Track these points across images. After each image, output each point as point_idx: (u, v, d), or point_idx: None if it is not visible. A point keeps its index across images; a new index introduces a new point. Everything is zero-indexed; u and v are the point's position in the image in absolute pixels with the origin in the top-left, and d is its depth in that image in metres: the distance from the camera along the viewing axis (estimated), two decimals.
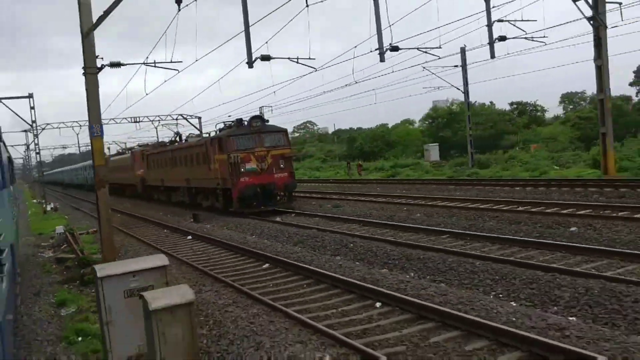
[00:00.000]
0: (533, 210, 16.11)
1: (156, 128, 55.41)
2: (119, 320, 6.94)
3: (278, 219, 20.35)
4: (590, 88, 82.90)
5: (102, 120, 13.69)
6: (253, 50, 18.25)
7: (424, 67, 33.83)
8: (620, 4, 26.43)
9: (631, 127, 55.98)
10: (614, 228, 12.43)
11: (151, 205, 33.55)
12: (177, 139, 34.30)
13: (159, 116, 52.61)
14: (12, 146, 54.71)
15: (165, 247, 16.75)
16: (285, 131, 24.24)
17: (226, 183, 22.93)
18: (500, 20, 21.02)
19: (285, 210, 22.36)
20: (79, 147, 76.76)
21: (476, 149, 48.19)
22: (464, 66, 36.25)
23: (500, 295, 8.83)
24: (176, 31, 20.09)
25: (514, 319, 7.36)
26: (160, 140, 47.61)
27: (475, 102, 75.98)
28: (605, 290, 8.04)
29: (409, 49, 20.92)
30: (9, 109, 35.43)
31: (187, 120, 52.02)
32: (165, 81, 25.88)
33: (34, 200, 52.18)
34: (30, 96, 36.34)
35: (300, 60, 19.16)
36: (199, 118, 52.52)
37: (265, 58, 17.79)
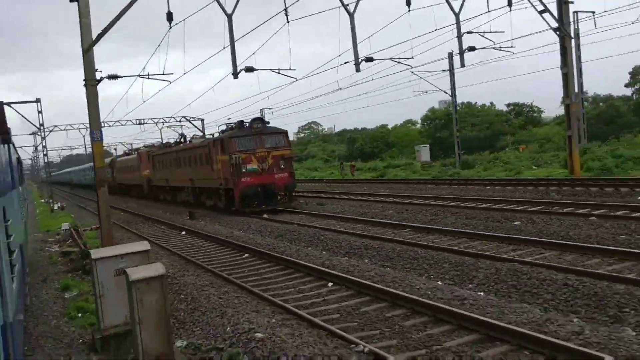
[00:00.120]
0: (485, 206, 17.83)
1: (160, 130, 57.30)
2: (109, 295, 8.60)
3: (265, 215, 22.03)
4: (592, 88, 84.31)
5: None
6: (247, 57, 19.80)
7: (412, 72, 35.51)
8: (593, 12, 28.09)
9: (628, 127, 57.08)
10: (549, 222, 14.09)
11: (156, 205, 34.61)
12: (182, 140, 35.23)
13: (162, 118, 54.45)
14: (20, 147, 56.68)
15: (160, 241, 18.47)
16: (285, 133, 25.04)
17: (228, 183, 23.76)
18: (469, 32, 22.67)
19: (274, 208, 23.83)
20: (85, 148, 78.68)
21: (472, 150, 49.67)
22: (451, 70, 37.85)
23: (431, 277, 10.49)
24: (167, 44, 21.74)
25: (429, 293, 9.03)
26: (164, 141, 49.18)
27: (476, 103, 77.64)
28: (510, 270, 9.71)
29: (384, 59, 22.61)
30: (18, 113, 37.32)
31: (191, 122, 53.78)
32: (159, 90, 27.81)
33: (42, 200, 54.11)
34: (37, 100, 38.17)
35: (281, 71, 20.83)
36: (202, 120, 54.36)
37: (249, 69, 19.37)
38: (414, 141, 73.15)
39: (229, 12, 18.18)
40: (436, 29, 32.84)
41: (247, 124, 24.42)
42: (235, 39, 17.90)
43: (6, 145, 7.44)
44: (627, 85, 76.51)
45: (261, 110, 56.41)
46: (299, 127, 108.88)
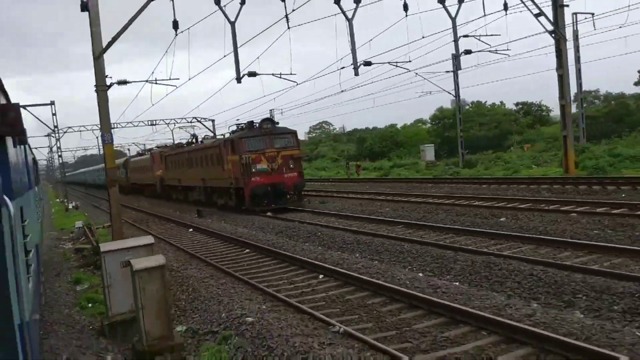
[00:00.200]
0: (476, 204, 18.60)
1: (172, 130, 58.36)
2: (117, 285, 9.51)
3: (269, 213, 22.91)
4: (604, 87, 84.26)
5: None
6: (252, 61, 20.59)
7: (416, 74, 36.22)
8: (592, 14, 28.66)
9: (638, 125, 57.10)
10: (531, 218, 14.82)
11: (168, 204, 35.27)
12: (194, 141, 36.07)
13: (174, 119, 55.55)
14: (36, 148, 58.28)
15: (168, 237, 19.44)
16: (294, 133, 25.65)
17: (239, 182, 24.38)
18: (466, 36, 23.37)
19: (284, 207, 24.26)
20: (99, 148, 79.91)
21: (480, 149, 50.12)
22: (455, 71, 38.49)
23: (414, 269, 11.30)
24: (174, 52, 22.63)
25: (408, 282, 9.85)
26: (176, 142, 50.16)
27: (485, 102, 78.02)
28: (485, 262, 10.49)
29: (382, 63, 23.37)
30: (33, 115, 38.43)
31: (202, 123, 54.79)
32: (167, 95, 28.60)
33: (57, 200, 55.47)
34: (52, 103, 39.32)
35: (282, 76, 21.67)
36: (213, 120, 55.34)
37: (252, 74, 20.24)
38: (422, 141, 73.47)
39: (232, 19, 19.08)
40: (433, 34, 33.49)
41: (257, 125, 25.04)
42: (238, 45, 18.78)
43: (22, 147, 7.72)
44: (636, 84, 76.79)
45: (270, 110, 57.21)
46: (310, 127, 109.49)
